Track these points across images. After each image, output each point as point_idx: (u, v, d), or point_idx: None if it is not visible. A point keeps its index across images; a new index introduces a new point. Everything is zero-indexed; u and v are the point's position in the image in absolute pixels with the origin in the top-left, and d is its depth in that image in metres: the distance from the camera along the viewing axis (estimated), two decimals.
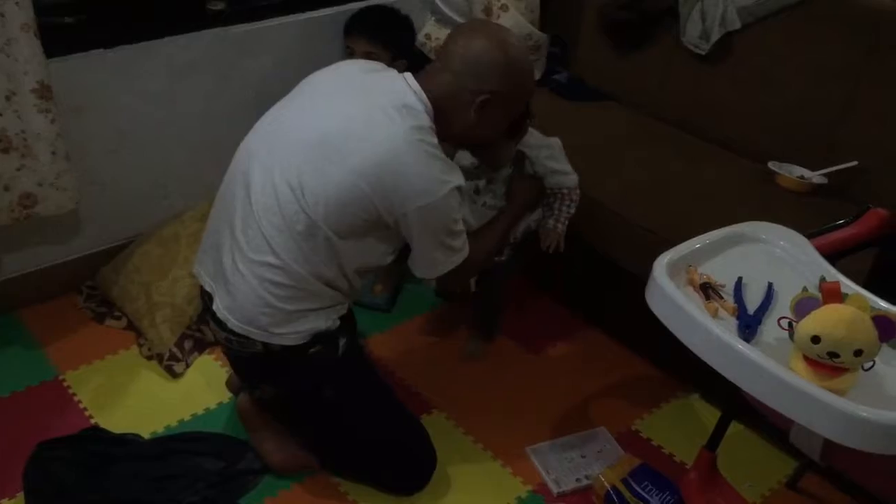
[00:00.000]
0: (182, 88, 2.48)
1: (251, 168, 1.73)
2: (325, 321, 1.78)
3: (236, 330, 1.75)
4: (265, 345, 1.75)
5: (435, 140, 1.67)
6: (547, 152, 2.11)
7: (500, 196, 2.11)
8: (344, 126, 1.66)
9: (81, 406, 2.15)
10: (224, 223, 1.78)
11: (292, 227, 1.67)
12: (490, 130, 1.82)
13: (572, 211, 2.16)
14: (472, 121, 1.74)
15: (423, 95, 1.68)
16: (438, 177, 1.64)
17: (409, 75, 1.73)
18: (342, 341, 1.84)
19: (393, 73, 1.76)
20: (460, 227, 1.75)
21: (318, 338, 1.78)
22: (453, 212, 1.70)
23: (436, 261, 1.77)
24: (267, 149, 1.73)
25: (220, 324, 1.78)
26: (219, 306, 1.78)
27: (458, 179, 1.68)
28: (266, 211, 1.69)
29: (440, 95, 1.70)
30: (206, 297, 1.84)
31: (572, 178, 2.14)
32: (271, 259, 1.69)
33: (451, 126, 1.73)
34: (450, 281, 1.88)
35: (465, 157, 2.09)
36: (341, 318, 1.83)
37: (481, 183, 2.10)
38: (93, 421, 2.11)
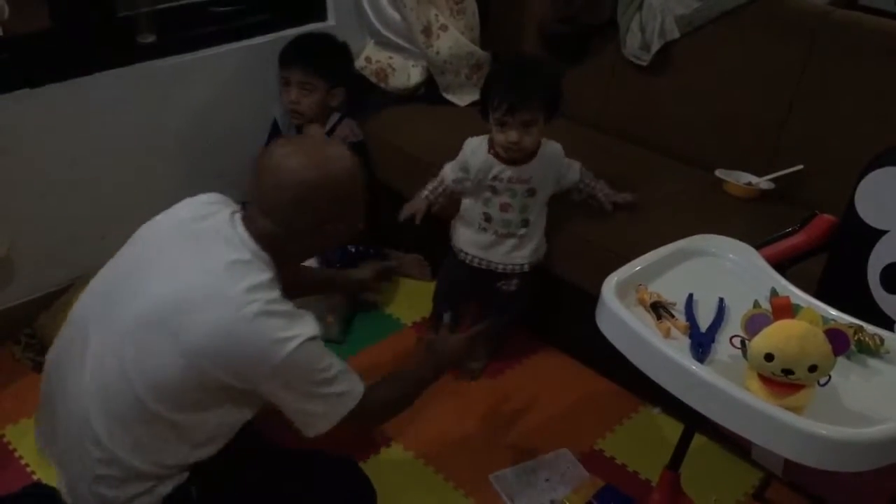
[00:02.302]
0: (113, 125, 2.42)
1: (84, 343, 1.58)
2: (173, 484, 1.61)
3: None
4: None
5: (274, 293, 1.51)
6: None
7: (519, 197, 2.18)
8: (173, 300, 1.50)
9: (23, 462, 2.07)
10: (57, 396, 1.62)
11: (124, 416, 1.52)
12: (339, 240, 1.71)
13: (600, 181, 2.26)
14: (319, 243, 1.66)
15: (253, 245, 1.53)
16: (280, 337, 1.48)
17: (238, 220, 1.56)
18: (194, 490, 1.64)
19: (225, 218, 1.57)
20: (332, 372, 1.57)
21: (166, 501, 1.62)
22: (313, 363, 1.54)
23: (316, 414, 1.59)
24: (97, 321, 1.57)
25: None
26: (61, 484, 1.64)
27: (307, 330, 1.51)
28: (94, 396, 1.54)
29: (275, 237, 1.55)
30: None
31: (576, 164, 2.24)
32: (99, 454, 1.54)
33: (296, 255, 1.67)
34: (354, 428, 1.70)
35: (479, 154, 2.16)
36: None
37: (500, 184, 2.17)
38: (35, 477, 2.03)
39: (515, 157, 2.14)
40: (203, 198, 1.67)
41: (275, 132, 2.71)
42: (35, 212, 2.35)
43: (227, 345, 1.47)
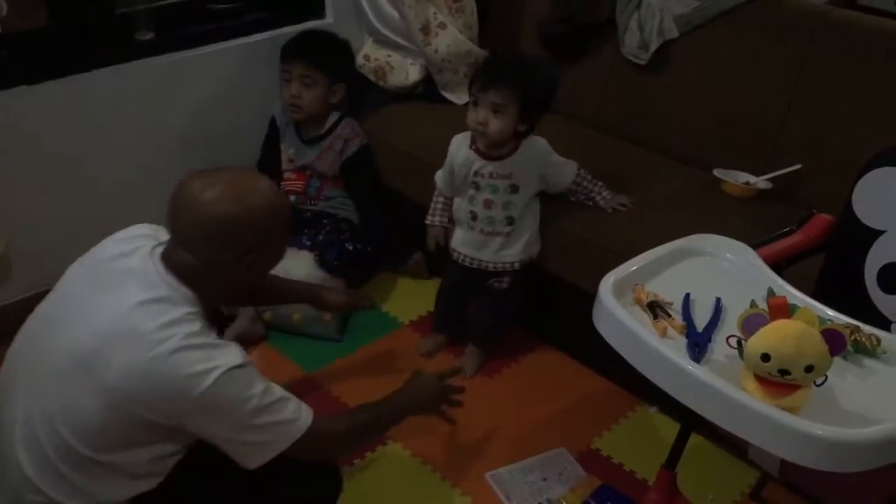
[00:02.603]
0: (113, 122, 2.41)
1: (15, 390, 1.54)
2: None
3: None
4: None
5: (193, 326, 1.46)
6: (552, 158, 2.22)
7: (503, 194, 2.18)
8: (90, 344, 1.47)
9: None
10: None
11: (56, 464, 1.49)
12: (267, 270, 1.67)
13: (598, 183, 2.27)
14: (247, 278, 1.59)
15: (172, 279, 1.49)
16: (198, 370, 1.44)
17: (157, 255, 1.53)
18: None
19: (144, 254, 1.54)
20: (268, 399, 1.51)
21: None
22: (240, 391, 1.48)
23: (255, 444, 1.52)
24: (24, 368, 1.55)
25: None
26: None
27: (230, 360, 1.47)
28: (24, 447, 1.50)
29: (194, 270, 1.51)
30: None
31: (572, 164, 2.25)
32: (40, 499, 1.50)
33: (223, 291, 1.60)
34: (308, 457, 1.61)
35: (462, 151, 2.19)
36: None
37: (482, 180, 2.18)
38: None
39: (485, 143, 2.14)
40: (132, 230, 1.64)
41: (272, 131, 2.70)
42: (33, 209, 2.35)
43: (146, 384, 1.44)
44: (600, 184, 2.27)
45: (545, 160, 2.21)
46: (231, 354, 1.48)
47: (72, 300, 1.56)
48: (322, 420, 1.60)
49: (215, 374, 1.44)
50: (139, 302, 1.47)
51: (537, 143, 2.20)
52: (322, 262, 2.51)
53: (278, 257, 1.66)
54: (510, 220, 2.21)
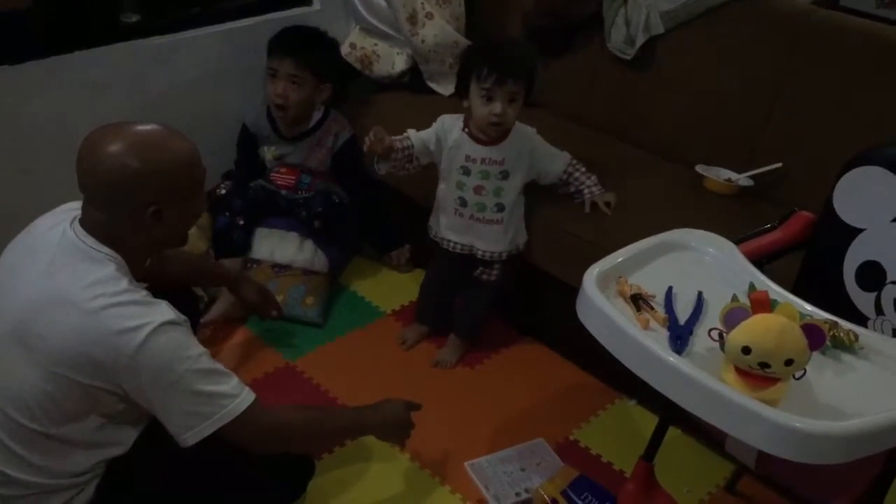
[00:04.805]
0: (97, 104, 2.39)
1: None
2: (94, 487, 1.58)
3: None
4: None
5: (120, 284, 1.47)
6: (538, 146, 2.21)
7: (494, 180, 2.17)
8: (19, 315, 1.48)
9: None
10: None
11: (4, 441, 1.51)
12: (184, 228, 1.65)
13: (592, 177, 2.24)
14: (159, 232, 1.55)
15: (91, 240, 1.50)
16: (129, 326, 1.43)
17: (76, 222, 1.53)
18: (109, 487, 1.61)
19: (66, 224, 1.54)
20: (207, 364, 1.51)
21: None
22: (176, 349, 1.47)
23: (197, 414, 1.50)
24: None
25: None
26: None
27: (162, 316, 1.46)
28: None
29: (108, 227, 1.51)
30: None
31: (565, 155, 2.24)
32: None
33: (141, 248, 1.57)
34: (249, 443, 1.58)
35: (454, 133, 2.17)
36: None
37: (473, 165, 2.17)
38: None
39: (495, 134, 2.14)
40: (59, 208, 1.64)
41: (246, 139, 2.65)
42: (17, 191, 2.32)
43: (79, 346, 1.44)
44: (594, 177, 2.26)
45: (535, 146, 2.21)
46: (162, 311, 1.48)
47: (2, 278, 1.57)
48: (268, 405, 1.59)
49: (147, 328, 1.44)
50: (63, 266, 1.48)
51: (527, 130, 2.20)
52: (307, 216, 2.53)
53: (194, 214, 1.65)
54: (500, 207, 2.20)
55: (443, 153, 2.20)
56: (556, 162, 2.24)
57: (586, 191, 2.25)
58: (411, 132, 2.21)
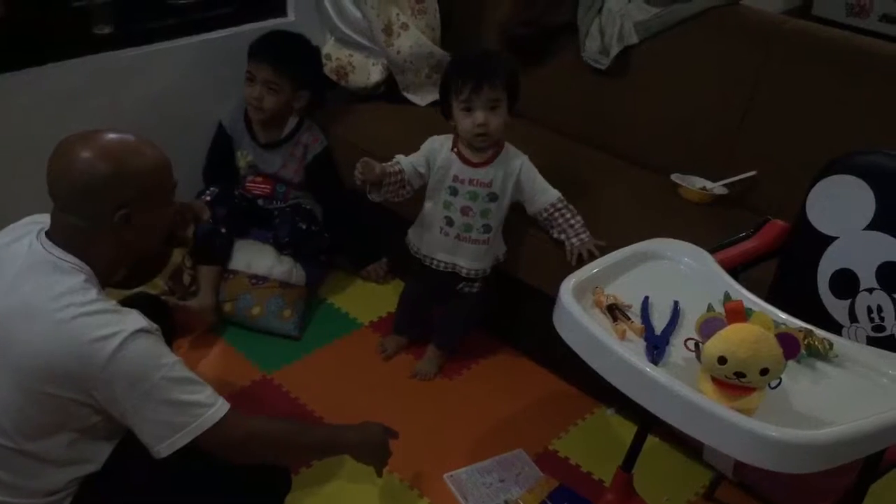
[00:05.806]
0: (68, 116, 2.34)
1: None
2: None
3: None
4: None
5: (88, 294, 1.45)
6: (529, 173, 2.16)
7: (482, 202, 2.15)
8: None
9: None
10: None
11: None
12: (153, 236, 1.64)
13: (578, 219, 2.15)
14: (129, 238, 1.53)
15: (58, 251, 1.48)
16: (100, 335, 1.42)
17: (42, 234, 1.52)
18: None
19: (32, 235, 1.53)
20: (178, 373, 1.49)
21: None
22: (149, 358, 1.46)
23: (170, 425, 1.48)
24: None
25: None
26: None
27: (134, 324, 1.45)
28: None
29: (79, 234, 1.49)
30: None
31: (553, 193, 2.16)
32: None
33: (108, 253, 1.54)
34: (224, 452, 1.56)
35: (442, 152, 2.15)
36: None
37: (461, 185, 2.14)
38: None
39: (483, 145, 2.12)
40: (25, 220, 1.63)
41: (222, 139, 2.64)
42: None
43: (51, 356, 1.42)
44: (579, 221, 2.15)
45: (524, 170, 2.16)
46: (134, 319, 1.47)
47: None
48: (243, 416, 1.57)
49: (120, 336, 1.43)
50: (29, 279, 1.46)
51: (518, 153, 2.18)
52: (275, 241, 2.54)
53: (163, 223, 1.64)
54: (487, 229, 2.19)
55: (432, 170, 2.18)
56: (542, 195, 2.17)
57: (574, 240, 2.14)
58: (401, 157, 2.19)
